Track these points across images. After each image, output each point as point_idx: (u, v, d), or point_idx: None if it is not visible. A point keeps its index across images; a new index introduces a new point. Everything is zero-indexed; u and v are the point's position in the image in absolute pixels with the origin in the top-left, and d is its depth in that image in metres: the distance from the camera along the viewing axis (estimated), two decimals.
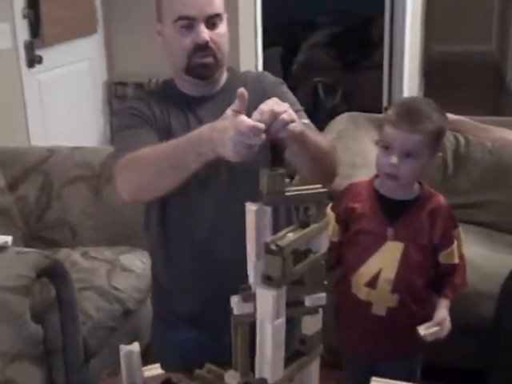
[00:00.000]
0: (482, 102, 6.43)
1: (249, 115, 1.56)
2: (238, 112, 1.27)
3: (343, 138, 2.64)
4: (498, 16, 9.08)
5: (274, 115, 1.25)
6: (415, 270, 1.64)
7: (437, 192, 1.70)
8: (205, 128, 1.35)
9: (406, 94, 4.44)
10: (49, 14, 3.35)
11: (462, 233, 2.26)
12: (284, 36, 6.73)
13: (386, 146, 1.61)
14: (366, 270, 1.65)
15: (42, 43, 3.34)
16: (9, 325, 1.67)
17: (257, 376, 1.18)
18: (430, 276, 1.68)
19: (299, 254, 1.20)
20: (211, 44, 1.57)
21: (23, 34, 3.24)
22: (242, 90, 1.28)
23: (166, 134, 1.60)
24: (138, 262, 2.32)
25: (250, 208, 1.17)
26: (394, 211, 1.65)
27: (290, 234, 1.16)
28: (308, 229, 1.19)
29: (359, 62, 6.03)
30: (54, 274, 1.77)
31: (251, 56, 4.03)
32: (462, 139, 2.63)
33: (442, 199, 1.67)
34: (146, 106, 1.63)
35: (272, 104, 1.27)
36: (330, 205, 1.70)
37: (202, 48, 1.56)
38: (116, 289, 2.13)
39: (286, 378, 1.21)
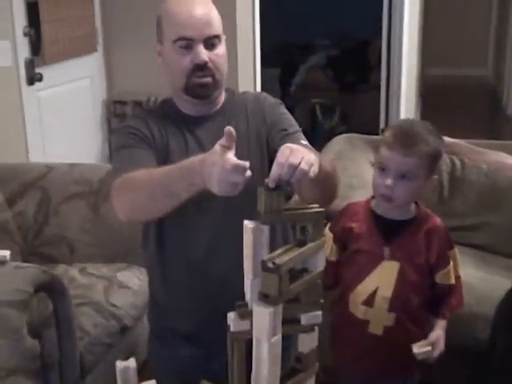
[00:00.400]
0: (478, 124, 6.48)
1: (248, 139, 1.59)
2: (225, 148, 1.27)
3: (341, 159, 2.66)
4: (493, 40, 9.19)
5: (293, 168, 1.24)
6: (411, 289, 1.65)
7: (433, 213, 1.71)
8: (196, 160, 1.36)
9: (402, 116, 4.48)
10: (49, 33, 3.39)
11: (459, 254, 2.27)
12: (282, 57, 6.78)
13: (381, 168, 1.63)
14: (363, 289, 1.66)
15: (42, 61, 3.37)
16: (6, 339, 1.67)
17: None
18: (426, 296, 1.68)
19: (296, 273, 1.22)
20: (210, 64, 1.59)
21: (24, 51, 3.27)
22: (229, 128, 1.28)
23: (164, 153, 1.62)
24: (135, 279, 2.32)
25: (248, 226, 1.18)
26: (390, 231, 1.66)
27: (287, 253, 1.18)
28: (305, 248, 1.21)
29: (356, 83, 6.08)
30: (51, 289, 1.77)
31: (249, 76, 4.07)
32: (457, 162, 2.65)
33: (438, 220, 1.69)
34: (144, 126, 1.64)
35: (288, 154, 1.25)
36: (329, 225, 1.72)
37: (201, 68, 1.59)
38: (113, 305, 2.13)
39: None
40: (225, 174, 1.25)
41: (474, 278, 2.29)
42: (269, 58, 5.45)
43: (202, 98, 1.64)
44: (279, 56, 6.71)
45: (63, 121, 3.62)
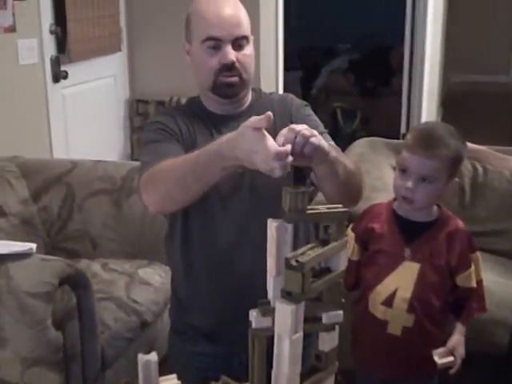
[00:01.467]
0: (501, 131, 6.42)
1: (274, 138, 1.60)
2: (260, 131, 1.30)
3: (362, 162, 2.67)
4: None
5: (295, 132, 1.30)
6: (431, 290, 1.66)
7: (455, 216, 1.71)
8: (223, 144, 1.38)
9: (424, 121, 4.46)
10: (75, 31, 3.43)
11: None
12: (304, 60, 6.79)
13: (402, 170, 1.64)
14: (383, 289, 1.67)
15: (67, 59, 3.41)
16: (31, 330, 1.70)
17: None
18: (447, 298, 1.69)
19: (318, 272, 1.23)
20: (237, 64, 1.61)
21: (50, 49, 3.32)
22: (269, 113, 1.31)
23: (192, 150, 1.64)
24: (156, 276, 2.35)
25: (272, 224, 1.20)
26: (411, 232, 1.67)
27: (311, 251, 1.19)
28: (328, 247, 1.21)
29: (378, 88, 6.07)
30: (75, 282, 1.80)
31: (272, 78, 4.08)
32: (480, 168, 2.65)
33: (460, 223, 1.69)
34: (172, 122, 1.66)
35: (302, 127, 1.32)
36: (351, 225, 1.74)
37: (228, 68, 1.60)
38: (134, 301, 2.15)
39: None
40: (267, 161, 1.27)
41: (494, 283, 2.29)
42: (291, 61, 5.47)
43: (229, 97, 1.65)
44: (301, 59, 6.72)
45: (87, 118, 3.66)
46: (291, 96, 1.78)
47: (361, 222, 1.74)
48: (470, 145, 2.71)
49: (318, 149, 1.35)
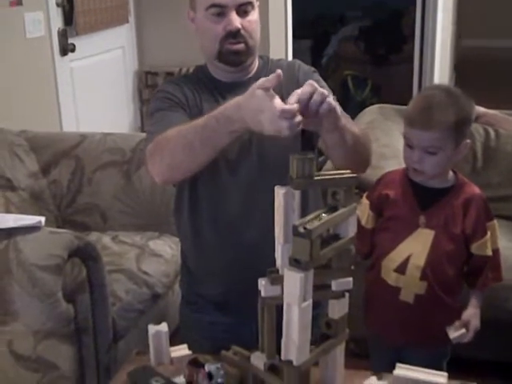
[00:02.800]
0: None
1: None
2: (267, 89, 1.29)
3: (372, 129, 2.64)
4: None
5: (313, 88, 1.30)
6: (445, 258, 1.64)
7: (472, 183, 1.69)
8: (231, 107, 1.37)
9: None
10: (82, 4, 3.40)
11: None
12: (314, 29, 6.71)
13: (408, 143, 1.62)
14: (396, 256, 1.66)
15: (75, 32, 3.39)
16: (42, 303, 1.71)
17: (283, 358, 1.20)
18: (461, 266, 1.67)
19: (327, 239, 1.22)
20: (242, 31, 1.58)
21: (57, 22, 3.29)
22: (279, 71, 1.30)
23: (198, 117, 1.62)
24: (166, 248, 2.35)
25: (279, 191, 1.18)
26: (426, 199, 1.65)
27: (319, 218, 1.18)
28: (336, 213, 1.20)
29: (389, 55, 6.00)
30: (85, 254, 1.80)
31: (281, 47, 4.04)
32: (492, 132, 2.61)
33: (477, 190, 1.66)
34: (178, 90, 1.65)
35: (309, 81, 1.32)
36: (366, 193, 1.72)
37: (234, 35, 1.58)
38: (145, 273, 2.16)
39: (311, 361, 1.23)
40: (274, 120, 1.26)
41: (507, 249, 2.27)
42: (301, 29, 5.41)
43: (235, 64, 1.63)
44: (311, 27, 6.64)
45: (95, 91, 3.64)
46: (299, 62, 1.75)
47: (375, 189, 1.73)
48: (481, 109, 2.70)
49: (332, 110, 1.34)
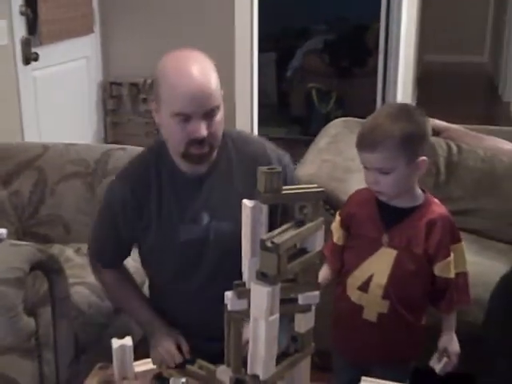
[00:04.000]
0: (475, 110, 6.49)
1: (237, 194, 1.50)
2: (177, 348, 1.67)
3: (337, 143, 2.66)
4: (491, 28, 9.19)
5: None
6: (408, 278, 1.63)
7: (439, 203, 1.68)
8: (149, 329, 1.76)
9: (399, 101, 4.46)
10: (46, 12, 3.36)
11: None
12: (279, 42, 6.75)
13: (363, 165, 1.63)
14: (360, 274, 1.66)
15: (38, 41, 3.35)
16: (2, 317, 1.67)
17: (249, 372, 1.19)
18: (425, 286, 1.66)
19: (294, 253, 1.22)
20: (208, 137, 1.59)
21: (20, 30, 3.25)
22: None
23: (157, 209, 1.69)
24: (130, 260, 2.29)
25: (247, 205, 1.18)
26: (390, 218, 1.65)
27: (286, 232, 1.17)
28: (303, 227, 1.20)
29: (353, 68, 6.06)
30: (47, 267, 1.77)
31: (246, 60, 4.05)
32: (454, 147, 2.65)
33: (443, 210, 1.65)
34: (120, 202, 1.70)
35: None
36: (340, 210, 1.73)
37: (199, 142, 1.58)
38: None
39: (277, 375, 1.22)
40: (159, 355, 1.64)
41: (469, 262, 2.27)
42: (266, 43, 5.43)
43: (199, 164, 1.65)
44: (276, 40, 6.68)
45: (59, 101, 3.60)
46: (269, 157, 1.71)
47: (346, 206, 1.74)
48: (444, 124, 2.74)
49: None
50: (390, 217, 1.65)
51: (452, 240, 1.63)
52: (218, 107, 1.59)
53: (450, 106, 6.21)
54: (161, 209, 1.67)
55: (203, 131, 1.56)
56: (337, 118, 3.06)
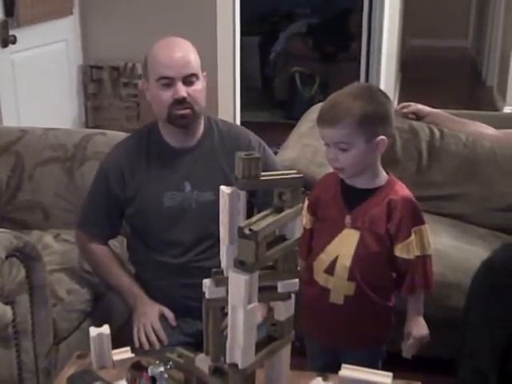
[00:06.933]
0: (458, 95, 6.51)
1: (224, 174, 1.82)
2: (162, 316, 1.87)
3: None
4: (474, 13, 9.20)
5: None
6: (372, 258, 1.63)
7: (403, 185, 1.67)
8: (132, 299, 1.92)
9: (382, 85, 4.46)
10: None
11: (436, 224, 2.26)
12: (262, 25, 6.71)
13: (325, 143, 1.63)
14: (325, 257, 1.67)
15: (16, 23, 3.28)
16: None
17: (228, 361, 1.18)
18: (390, 267, 1.66)
19: (273, 240, 1.20)
20: (188, 98, 1.82)
21: None
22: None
23: (145, 181, 1.90)
24: (115, 243, 2.29)
25: (225, 191, 1.16)
26: (353, 199, 1.65)
27: (264, 219, 1.16)
28: (282, 214, 1.19)
29: (337, 52, 6.03)
30: (24, 254, 1.74)
31: (229, 44, 4.01)
32: (436, 131, 2.64)
33: (406, 192, 1.65)
34: (118, 174, 1.90)
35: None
36: (309, 195, 1.72)
37: (180, 102, 1.82)
38: (87, 272, 2.10)
39: (257, 363, 1.21)
40: (146, 326, 1.84)
41: (450, 247, 2.30)
42: (249, 26, 5.39)
43: (184, 127, 1.86)
44: (259, 24, 6.64)
45: (38, 85, 3.54)
46: (250, 139, 1.96)
47: (313, 190, 1.74)
48: (426, 108, 2.73)
49: None
50: (352, 198, 1.65)
51: (414, 222, 1.62)
52: (196, 76, 1.84)
53: (434, 91, 6.21)
54: (150, 176, 1.88)
55: (183, 92, 1.81)
56: (320, 102, 3.04)
